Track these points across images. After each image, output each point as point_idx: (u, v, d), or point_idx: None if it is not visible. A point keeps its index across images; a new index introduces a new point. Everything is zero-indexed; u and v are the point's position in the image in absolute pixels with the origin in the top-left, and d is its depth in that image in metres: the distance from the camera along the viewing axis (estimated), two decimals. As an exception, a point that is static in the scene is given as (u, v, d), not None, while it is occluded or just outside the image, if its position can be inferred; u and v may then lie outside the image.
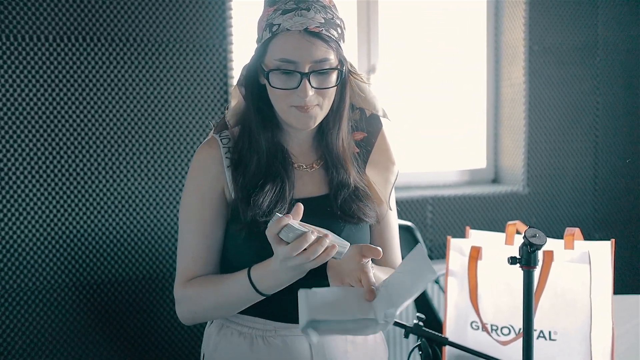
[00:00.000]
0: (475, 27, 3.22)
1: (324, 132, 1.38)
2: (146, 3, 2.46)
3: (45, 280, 2.39)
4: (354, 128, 1.43)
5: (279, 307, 1.33)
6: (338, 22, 1.30)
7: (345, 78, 1.34)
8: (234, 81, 2.58)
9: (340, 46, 1.30)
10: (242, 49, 2.58)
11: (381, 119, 1.43)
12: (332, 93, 1.32)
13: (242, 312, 1.34)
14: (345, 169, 1.38)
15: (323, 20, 1.26)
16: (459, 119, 3.24)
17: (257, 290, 1.25)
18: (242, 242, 1.32)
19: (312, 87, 1.26)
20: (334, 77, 1.29)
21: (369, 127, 1.44)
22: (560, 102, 3.19)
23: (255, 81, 1.35)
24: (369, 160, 1.43)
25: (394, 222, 1.49)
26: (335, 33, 1.28)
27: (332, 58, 1.27)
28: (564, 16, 3.14)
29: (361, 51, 2.93)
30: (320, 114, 1.31)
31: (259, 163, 1.33)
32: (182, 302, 1.34)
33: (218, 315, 1.36)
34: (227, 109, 1.45)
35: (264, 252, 1.25)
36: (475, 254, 1.70)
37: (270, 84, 1.28)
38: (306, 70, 1.25)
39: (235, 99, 1.42)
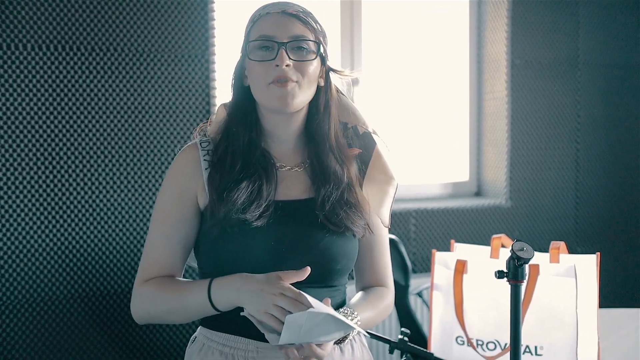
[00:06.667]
0: (458, 41, 3.23)
1: (311, 130, 1.36)
2: (127, 12, 2.42)
3: (28, 293, 2.34)
4: (349, 145, 1.41)
5: None
6: (319, 25, 1.34)
7: (326, 63, 1.35)
8: (216, 92, 2.55)
9: (319, 34, 1.33)
10: (224, 60, 2.56)
11: (373, 136, 1.42)
12: (311, 74, 1.31)
13: (223, 331, 1.31)
14: (341, 163, 1.35)
15: (302, 10, 1.33)
16: (441, 132, 3.24)
17: (212, 304, 1.25)
18: (215, 239, 1.30)
19: (289, 58, 1.28)
20: (312, 56, 1.31)
21: (362, 144, 1.42)
22: (542, 115, 3.20)
23: (240, 83, 1.36)
24: (366, 177, 1.40)
25: (386, 238, 1.46)
26: (313, 23, 1.33)
27: (310, 38, 1.31)
28: (545, 31, 3.17)
29: (344, 64, 2.92)
30: (298, 94, 1.29)
31: (234, 159, 1.32)
32: (138, 300, 1.33)
33: (170, 320, 1.34)
34: (209, 119, 1.44)
35: (237, 250, 1.27)
36: (461, 267, 1.68)
37: (249, 58, 1.31)
38: (284, 41, 1.29)
39: (219, 116, 1.42)
